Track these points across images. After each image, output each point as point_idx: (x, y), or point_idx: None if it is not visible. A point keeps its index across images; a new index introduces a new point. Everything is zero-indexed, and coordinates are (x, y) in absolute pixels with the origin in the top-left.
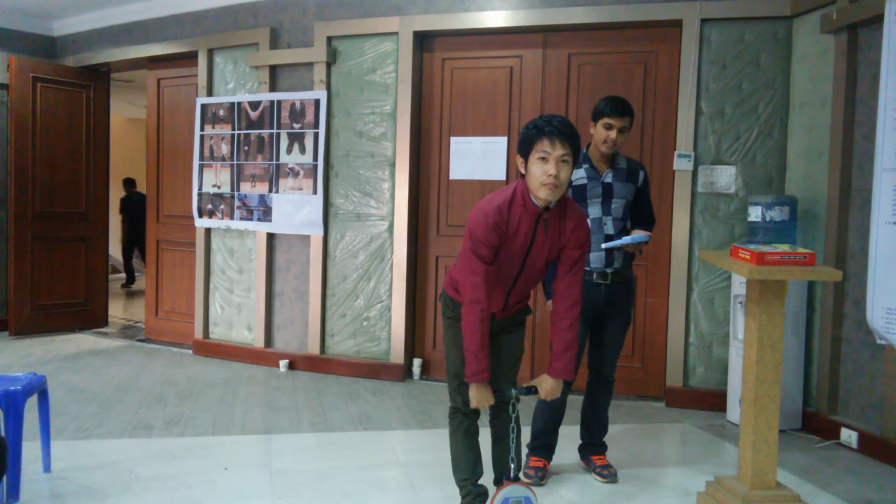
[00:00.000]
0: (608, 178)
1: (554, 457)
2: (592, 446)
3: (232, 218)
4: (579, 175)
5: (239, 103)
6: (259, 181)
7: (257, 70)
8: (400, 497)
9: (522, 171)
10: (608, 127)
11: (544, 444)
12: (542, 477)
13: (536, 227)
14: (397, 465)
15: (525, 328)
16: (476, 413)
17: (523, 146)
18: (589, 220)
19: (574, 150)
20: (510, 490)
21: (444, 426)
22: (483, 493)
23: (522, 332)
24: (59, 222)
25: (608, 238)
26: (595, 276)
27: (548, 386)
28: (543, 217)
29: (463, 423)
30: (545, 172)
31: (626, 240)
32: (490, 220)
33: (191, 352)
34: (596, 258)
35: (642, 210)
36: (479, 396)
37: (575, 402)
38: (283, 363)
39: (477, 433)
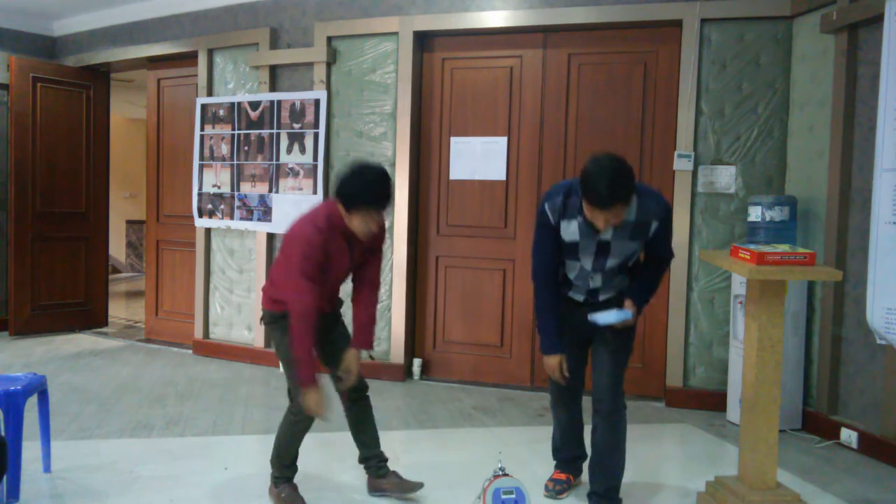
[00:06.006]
0: (607, 236)
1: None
2: (597, 497)
3: (232, 218)
4: (571, 230)
5: (239, 103)
6: (259, 181)
7: (257, 70)
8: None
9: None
10: (592, 212)
11: (565, 458)
12: (559, 492)
13: (350, 239)
14: (397, 466)
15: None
16: (311, 418)
17: (348, 201)
18: (576, 268)
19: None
20: (501, 482)
21: (444, 426)
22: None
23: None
24: (59, 222)
25: (590, 292)
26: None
27: (350, 355)
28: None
29: (301, 423)
30: (368, 227)
31: (610, 318)
32: (315, 240)
33: (191, 352)
34: (576, 292)
35: (653, 252)
36: (317, 399)
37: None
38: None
39: (308, 429)
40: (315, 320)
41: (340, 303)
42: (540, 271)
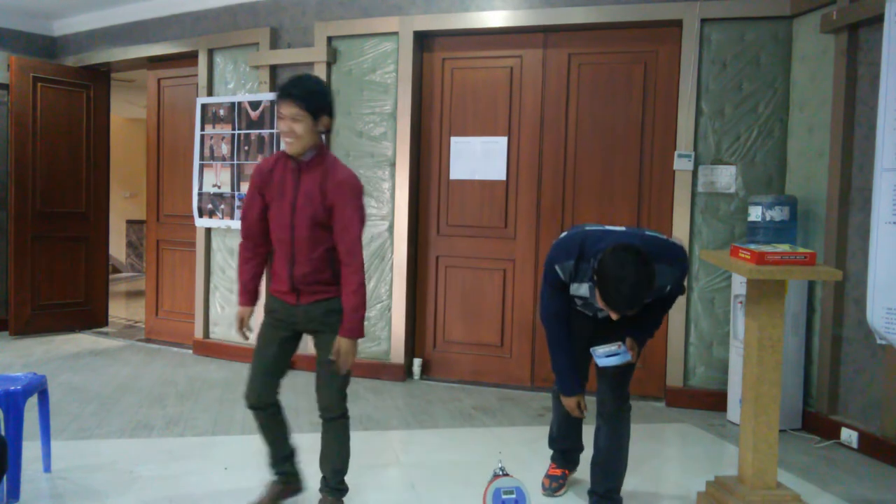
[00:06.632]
0: None
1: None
2: (597, 497)
3: (232, 218)
4: (582, 291)
5: (239, 103)
6: None
7: (257, 70)
8: (400, 497)
9: None
10: (607, 308)
11: (560, 449)
12: (556, 489)
13: (298, 179)
14: (397, 465)
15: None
16: (258, 409)
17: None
18: (584, 300)
19: (308, 108)
20: (501, 482)
21: (444, 426)
22: (281, 467)
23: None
24: (59, 222)
25: (599, 322)
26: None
27: (340, 345)
28: (298, 166)
29: (251, 412)
30: (280, 128)
31: (611, 361)
32: (256, 169)
33: (191, 352)
34: (584, 309)
35: (662, 301)
36: (239, 315)
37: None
38: None
39: (265, 426)
40: (248, 254)
41: (336, 305)
42: (551, 318)
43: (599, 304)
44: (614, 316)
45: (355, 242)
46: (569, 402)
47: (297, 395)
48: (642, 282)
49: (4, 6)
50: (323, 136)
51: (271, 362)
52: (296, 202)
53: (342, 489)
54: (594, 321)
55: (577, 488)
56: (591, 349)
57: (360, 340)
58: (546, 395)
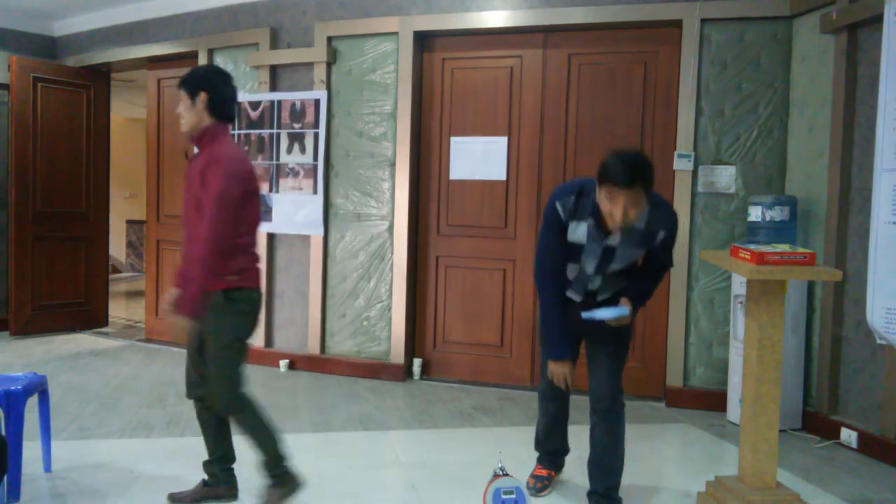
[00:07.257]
0: (613, 241)
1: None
2: (597, 496)
3: None
4: (579, 232)
5: (239, 103)
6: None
7: (257, 70)
8: (400, 497)
9: None
10: (612, 197)
11: (545, 451)
12: (540, 489)
13: (194, 163)
14: (397, 465)
15: (222, 317)
16: (193, 400)
17: None
18: (576, 270)
19: (184, 88)
20: (501, 482)
21: (444, 426)
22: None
23: (215, 318)
24: (59, 222)
25: (589, 293)
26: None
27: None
28: (196, 152)
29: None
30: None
31: (606, 314)
32: None
33: None
34: (574, 292)
35: (655, 259)
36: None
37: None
38: (283, 363)
39: (199, 418)
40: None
41: (215, 297)
42: (547, 273)
43: (604, 202)
44: (618, 210)
45: (210, 219)
46: (558, 369)
47: (297, 395)
48: (641, 158)
49: (4, 6)
50: (216, 119)
51: (193, 357)
52: (190, 186)
53: (279, 475)
54: (584, 309)
55: (571, 490)
56: (584, 313)
57: (360, 340)
58: None
